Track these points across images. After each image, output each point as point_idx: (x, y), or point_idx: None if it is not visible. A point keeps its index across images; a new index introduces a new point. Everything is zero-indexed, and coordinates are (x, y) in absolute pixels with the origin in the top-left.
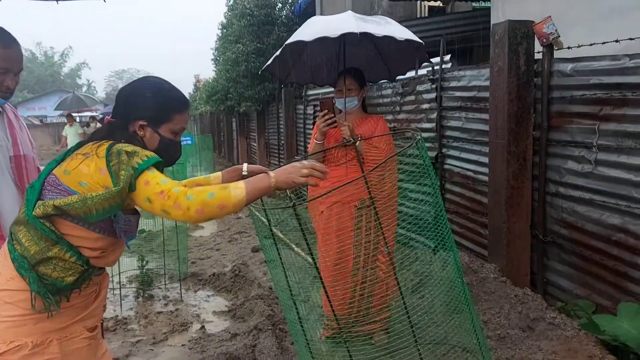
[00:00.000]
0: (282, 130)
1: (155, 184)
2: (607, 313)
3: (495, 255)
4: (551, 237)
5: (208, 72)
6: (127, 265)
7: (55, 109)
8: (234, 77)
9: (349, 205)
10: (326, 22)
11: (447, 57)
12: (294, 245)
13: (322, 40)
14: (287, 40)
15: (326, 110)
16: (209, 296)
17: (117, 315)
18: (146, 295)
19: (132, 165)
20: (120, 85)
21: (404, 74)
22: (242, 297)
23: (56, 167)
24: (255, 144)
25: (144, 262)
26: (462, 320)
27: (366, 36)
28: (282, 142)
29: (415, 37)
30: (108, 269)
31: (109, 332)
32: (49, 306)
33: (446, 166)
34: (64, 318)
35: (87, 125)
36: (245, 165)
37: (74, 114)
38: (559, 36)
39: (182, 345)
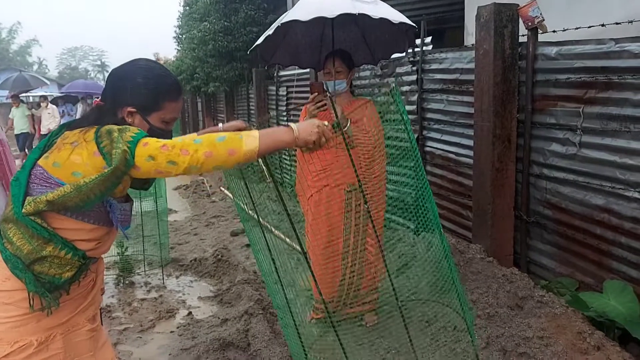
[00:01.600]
0: (252, 111)
1: (155, 142)
2: (590, 290)
3: (480, 236)
4: (535, 218)
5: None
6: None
7: None
8: (201, 56)
9: (338, 189)
10: (320, 1)
11: (428, 39)
12: (273, 228)
13: (312, 21)
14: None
15: (316, 93)
16: (192, 282)
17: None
18: (127, 282)
19: (126, 140)
20: (74, 64)
21: (388, 58)
22: (227, 282)
23: (40, 156)
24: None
25: (124, 249)
26: (450, 299)
27: (355, 18)
28: (254, 123)
29: (407, 20)
30: None
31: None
32: (48, 304)
33: (427, 148)
34: (66, 311)
35: (38, 105)
36: (220, 125)
37: (23, 95)
38: (544, 20)
39: (171, 331)
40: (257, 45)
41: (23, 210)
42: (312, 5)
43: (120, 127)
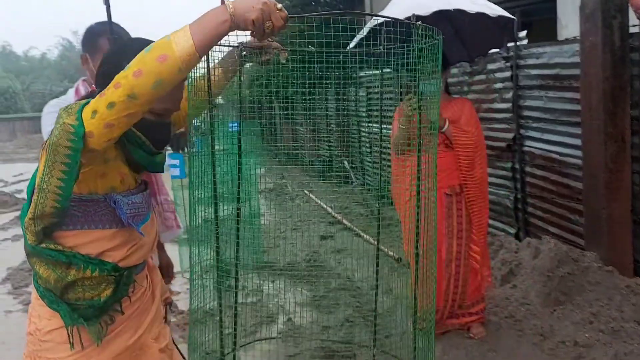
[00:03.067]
0: (330, 114)
1: (93, 101)
2: None
3: (593, 243)
4: None
5: None
6: (200, 254)
7: None
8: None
9: (438, 193)
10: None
11: (523, 33)
12: (362, 233)
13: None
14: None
15: (412, 94)
16: (287, 286)
17: (201, 308)
18: (224, 285)
19: (70, 113)
20: None
21: (485, 54)
22: (322, 287)
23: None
24: (302, 129)
25: (221, 252)
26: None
27: (448, 15)
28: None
29: (506, 13)
30: (177, 260)
31: (198, 322)
32: (97, 332)
33: (526, 148)
34: (128, 333)
35: None
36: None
37: None
38: None
39: (273, 338)
40: (351, 48)
41: (29, 241)
42: (405, 4)
43: (66, 106)
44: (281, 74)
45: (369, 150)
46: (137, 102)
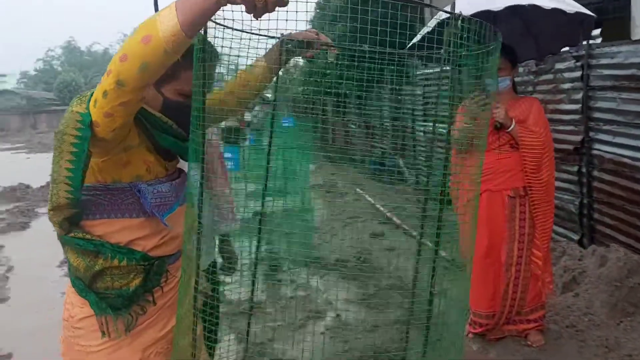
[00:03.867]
0: (384, 113)
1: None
2: None
3: None
4: None
5: None
6: (251, 247)
7: None
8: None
9: (500, 194)
10: None
11: (597, 32)
12: (414, 232)
13: (474, 16)
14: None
15: (478, 91)
16: (336, 283)
17: (252, 299)
18: (274, 279)
19: (80, 102)
20: None
21: (558, 52)
22: (372, 286)
23: None
24: (354, 127)
25: (271, 246)
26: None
27: (520, 10)
28: (386, 125)
29: (584, 9)
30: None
31: (244, 314)
32: (127, 323)
33: (594, 152)
34: (159, 325)
35: None
36: None
37: None
38: None
39: (322, 333)
40: (414, 43)
41: (59, 229)
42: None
43: (81, 94)
44: (335, 71)
45: (423, 149)
46: (125, 89)
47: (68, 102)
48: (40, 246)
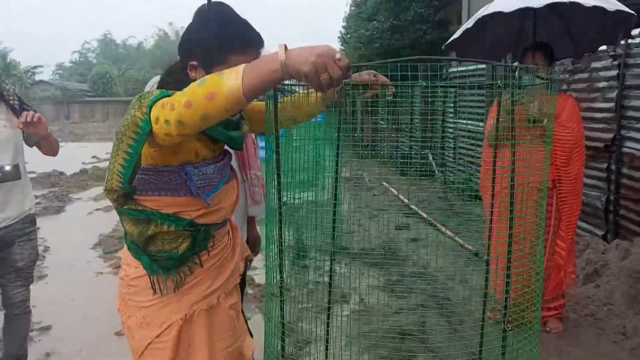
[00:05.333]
0: (415, 109)
1: (161, 102)
2: None
3: None
4: None
5: None
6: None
7: None
8: (367, 54)
9: (529, 188)
10: None
11: (637, 31)
12: (439, 225)
13: (514, 13)
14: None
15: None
16: (361, 270)
17: (280, 283)
18: (300, 265)
19: (143, 105)
20: None
21: (595, 51)
22: (396, 274)
23: None
24: (382, 123)
25: (300, 233)
26: None
27: (559, 8)
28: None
29: (625, 7)
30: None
31: (274, 297)
32: (179, 279)
33: (625, 149)
34: (205, 285)
35: None
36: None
37: None
38: None
39: (346, 315)
40: (454, 39)
41: (115, 203)
42: None
43: (144, 92)
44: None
45: (452, 146)
46: (185, 128)
47: (101, 94)
48: (74, 229)
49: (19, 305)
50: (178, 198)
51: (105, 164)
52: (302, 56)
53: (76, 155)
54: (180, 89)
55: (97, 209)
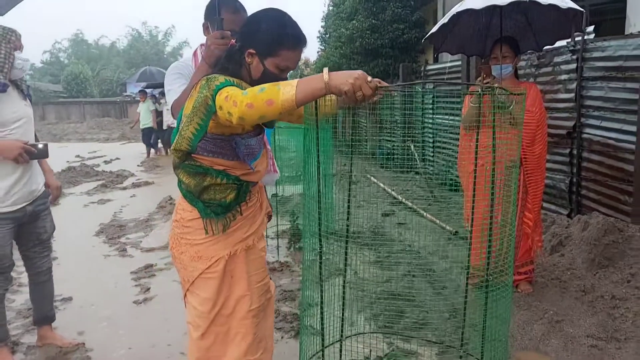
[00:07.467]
0: (396, 106)
1: (225, 92)
2: None
3: (639, 218)
4: None
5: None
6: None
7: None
8: (347, 53)
9: (500, 165)
10: None
11: (591, 28)
12: (422, 211)
13: (483, 10)
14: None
15: (484, 75)
16: (353, 249)
17: (279, 260)
18: (296, 246)
19: (210, 88)
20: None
21: (553, 44)
22: (384, 252)
23: None
24: (364, 121)
25: (295, 218)
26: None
27: (522, 6)
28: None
29: (575, 5)
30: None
31: (276, 271)
32: (227, 222)
33: (585, 135)
34: (244, 229)
35: (158, 102)
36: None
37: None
38: None
39: (342, 285)
40: (432, 33)
41: (176, 159)
42: None
43: (211, 77)
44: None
45: (431, 140)
46: (245, 122)
47: (75, 95)
48: (73, 221)
49: (46, 273)
50: (228, 161)
51: (90, 162)
52: (342, 78)
53: (58, 155)
54: (237, 73)
55: (92, 202)
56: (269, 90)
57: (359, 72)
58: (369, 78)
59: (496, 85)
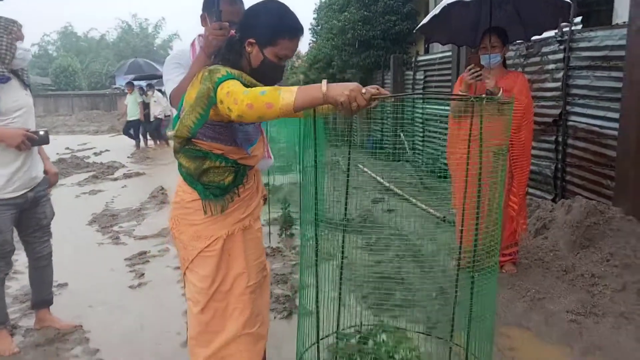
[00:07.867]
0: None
1: (227, 88)
2: None
3: (620, 200)
4: None
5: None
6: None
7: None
8: (339, 45)
9: (486, 151)
10: None
11: (578, 19)
12: (410, 197)
13: (474, 1)
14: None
15: (473, 65)
16: (343, 236)
17: (271, 246)
18: (288, 233)
19: (212, 80)
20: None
21: (541, 34)
22: (374, 236)
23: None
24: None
25: (286, 205)
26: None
27: None
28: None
29: None
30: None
31: (268, 257)
32: (224, 203)
33: (570, 123)
34: (241, 210)
35: (145, 94)
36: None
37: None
38: None
39: (333, 269)
40: (423, 24)
41: (176, 144)
42: None
43: (213, 69)
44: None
45: (421, 130)
46: (244, 120)
47: (64, 88)
48: (66, 211)
49: (46, 257)
50: (225, 146)
51: (80, 154)
52: (339, 90)
53: (48, 147)
54: (237, 63)
55: (84, 193)
56: (269, 94)
57: (354, 84)
58: (364, 90)
59: (484, 95)
